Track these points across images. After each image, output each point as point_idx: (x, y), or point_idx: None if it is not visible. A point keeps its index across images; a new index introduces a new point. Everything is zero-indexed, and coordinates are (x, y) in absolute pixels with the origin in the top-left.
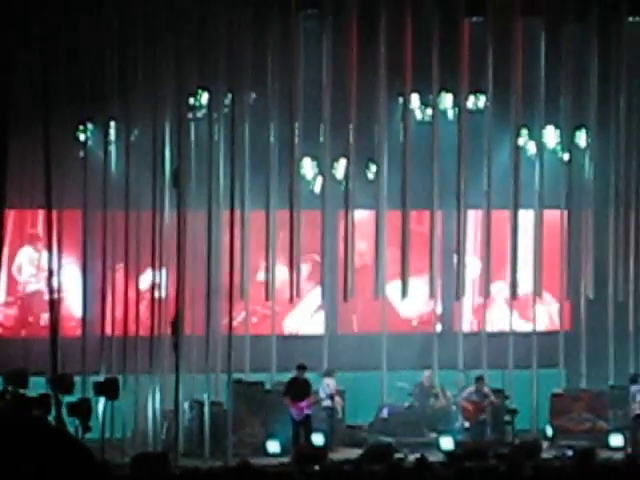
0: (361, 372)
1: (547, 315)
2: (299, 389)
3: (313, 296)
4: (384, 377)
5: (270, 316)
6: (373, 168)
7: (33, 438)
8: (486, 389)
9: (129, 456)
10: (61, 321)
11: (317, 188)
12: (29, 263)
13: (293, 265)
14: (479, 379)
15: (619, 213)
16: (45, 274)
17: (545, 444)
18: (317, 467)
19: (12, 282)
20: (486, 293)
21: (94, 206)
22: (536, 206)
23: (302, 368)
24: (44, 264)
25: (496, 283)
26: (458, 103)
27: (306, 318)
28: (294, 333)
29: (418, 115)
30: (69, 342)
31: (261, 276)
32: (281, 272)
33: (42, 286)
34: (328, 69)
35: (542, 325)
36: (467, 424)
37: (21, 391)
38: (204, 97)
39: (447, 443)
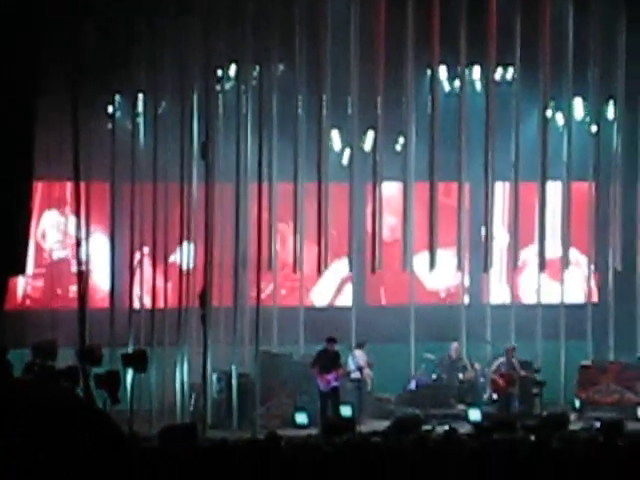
0: (389, 344)
1: (575, 287)
2: (327, 361)
3: (335, 269)
4: (412, 349)
5: (298, 288)
6: (401, 140)
7: (60, 411)
8: (515, 361)
9: (157, 428)
10: (89, 293)
11: (345, 160)
12: (55, 228)
13: (321, 237)
14: (509, 350)
15: None
16: (72, 241)
17: (573, 416)
18: (345, 438)
19: (39, 251)
20: (514, 265)
21: (122, 178)
22: (564, 178)
23: (332, 341)
24: (70, 230)
25: (524, 255)
26: (486, 75)
27: (330, 291)
28: (321, 305)
29: (446, 87)
30: (97, 314)
31: (289, 248)
32: (306, 245)
33: (69, 254)
34: (356, 41)
35: (570, 297)
36: (495, 396)
37: (49, 363)
38: (232, 69)
39: (475, 415)
